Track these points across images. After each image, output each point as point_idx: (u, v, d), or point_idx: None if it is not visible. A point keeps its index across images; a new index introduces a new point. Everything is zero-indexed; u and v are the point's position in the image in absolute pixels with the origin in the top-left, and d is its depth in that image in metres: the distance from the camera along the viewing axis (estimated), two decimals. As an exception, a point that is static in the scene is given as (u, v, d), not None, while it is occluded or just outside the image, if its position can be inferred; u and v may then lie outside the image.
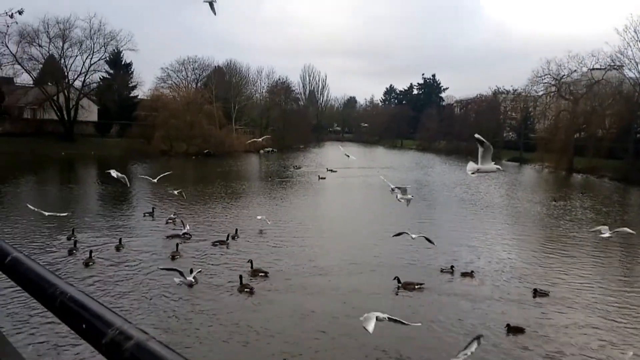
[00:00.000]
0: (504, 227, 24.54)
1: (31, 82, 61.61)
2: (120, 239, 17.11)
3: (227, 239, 18.18)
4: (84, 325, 1.18)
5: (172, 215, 21.33)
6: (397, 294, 13.34)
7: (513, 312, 12.20)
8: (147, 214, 22.50)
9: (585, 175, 53.14)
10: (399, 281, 13.53)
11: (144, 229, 20.19)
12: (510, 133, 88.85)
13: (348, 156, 25.32)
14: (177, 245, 16.61)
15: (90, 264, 14.73)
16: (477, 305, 12.77)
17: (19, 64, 57.78)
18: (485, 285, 14.33)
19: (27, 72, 59.69)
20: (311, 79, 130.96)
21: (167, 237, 18.54)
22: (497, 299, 13.23)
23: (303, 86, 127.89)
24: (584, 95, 61.51)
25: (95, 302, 1.23)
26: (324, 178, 40.31)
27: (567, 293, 13.81)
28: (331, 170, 45.21)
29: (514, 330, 10.84)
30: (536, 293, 13.36)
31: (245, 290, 13.05)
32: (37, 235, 18.08)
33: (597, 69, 60.99)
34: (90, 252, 15.21)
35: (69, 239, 17.22)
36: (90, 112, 65.19)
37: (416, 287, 13.49)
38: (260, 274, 14.27)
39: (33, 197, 28.35)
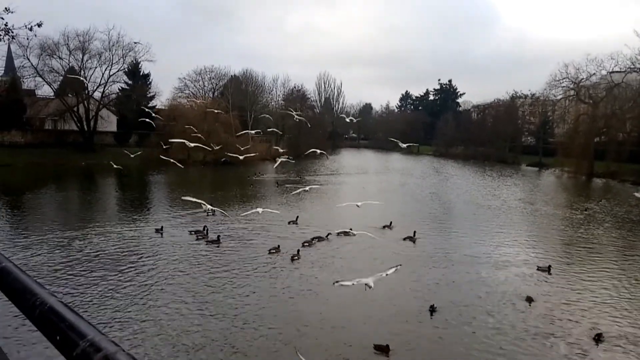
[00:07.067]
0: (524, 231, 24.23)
1: (52, 93, 62.76)
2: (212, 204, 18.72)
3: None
4: (58, 337, 1.17)
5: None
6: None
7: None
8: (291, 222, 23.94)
9: (605, 180, 52.14)
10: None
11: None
12: (529, 138, 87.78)
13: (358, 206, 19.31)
14: (299, 251, 17.63)
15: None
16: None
17: (40, 76, 59.15)
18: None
19: (48, 84, 60.94)
20: (326, 86, 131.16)
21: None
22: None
23: (318, 94, 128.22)
24: (603, 99, 60.44)
25: (72, 313, 1.22)
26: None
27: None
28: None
29: (379, 348, 10.44)
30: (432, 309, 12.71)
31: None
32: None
33: (616, 71, 59.95)
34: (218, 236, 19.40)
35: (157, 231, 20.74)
36: (109, 122, 66.31)
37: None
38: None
39: (58, 205, 28.88)
